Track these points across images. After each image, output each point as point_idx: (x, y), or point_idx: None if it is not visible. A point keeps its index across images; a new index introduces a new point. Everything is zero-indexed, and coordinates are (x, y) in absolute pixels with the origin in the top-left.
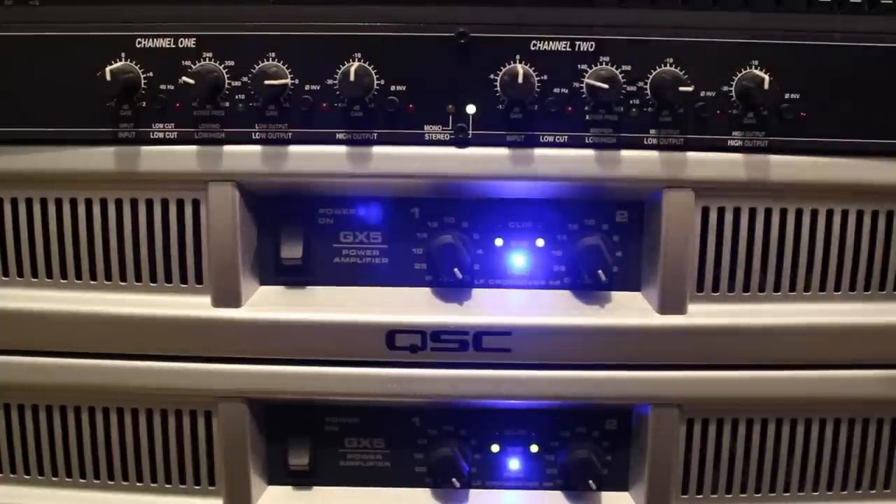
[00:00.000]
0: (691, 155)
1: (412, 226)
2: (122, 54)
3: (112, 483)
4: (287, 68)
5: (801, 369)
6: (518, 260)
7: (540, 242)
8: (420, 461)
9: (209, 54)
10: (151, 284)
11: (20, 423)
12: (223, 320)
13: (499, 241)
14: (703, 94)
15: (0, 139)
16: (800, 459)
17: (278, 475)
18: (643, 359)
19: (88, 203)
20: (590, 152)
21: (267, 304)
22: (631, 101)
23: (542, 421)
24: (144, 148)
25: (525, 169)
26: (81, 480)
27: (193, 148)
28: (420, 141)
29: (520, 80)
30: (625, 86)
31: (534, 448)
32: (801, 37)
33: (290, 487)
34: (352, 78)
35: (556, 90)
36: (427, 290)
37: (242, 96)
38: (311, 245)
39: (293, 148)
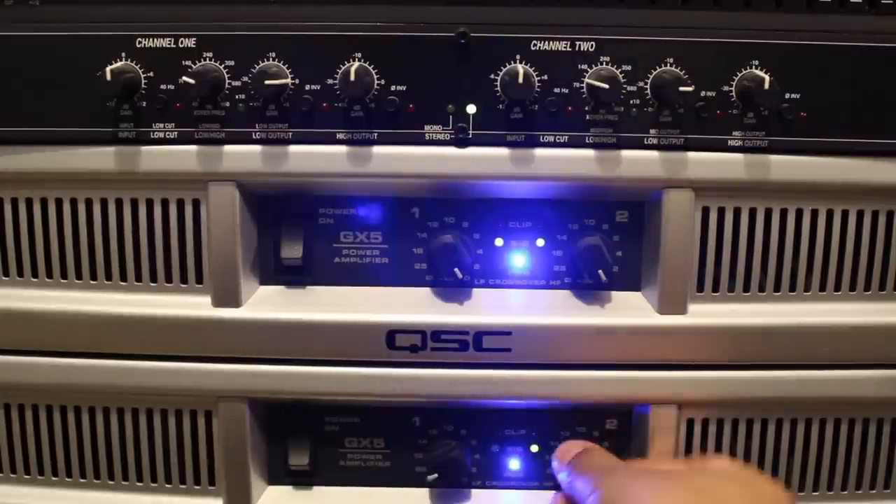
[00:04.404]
0: (691, 155)
1: (412, 226)
2: (122, 54)
3: (112, 483)
4: (287, 68)
5: (801, 369)
6: (518, 260)
7: (540, 242)
8: (420, 461)
9: (209, 54)
10: (151, 284)
11: (20, 423)
12: (223, 320)
13: (499, 241)
14: (703, 94)
15: (0, 139)
16: (800, 459)
17: (278, 475)
18: (643, 359)
19: (88, 203)
20: (590, 152)
21: (267, 304)
22: (631, 101)
23: (542, 421)
24: (144, 148)
25: (525, 169)
26: (81, 480)
27: (193, 148)
28: (420, 141)
29: (520, 80)
30: (625, 86)
31: (534, 448)
32: (801, 37)
33: (290, 487)
34: (352, 78)
35: (557, 90)
36: (427, 289)
37: (243, 96)
38: (311, 245)
39: (293, 148)
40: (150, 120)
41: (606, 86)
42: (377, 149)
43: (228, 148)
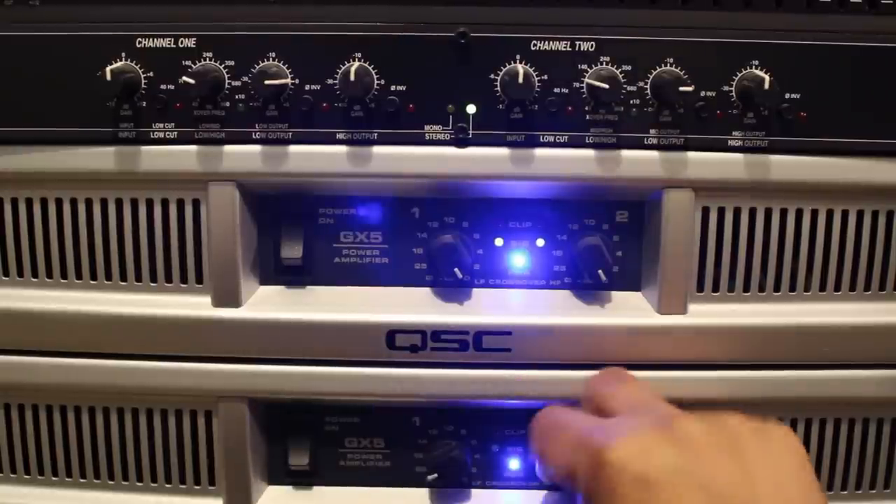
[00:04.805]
0: (691, 155)
1: (412, 225)
2: (122, 54)
3: (112, 483)
4: (287, 68)
5: (801, 369)
6: (518, 260)
7: (540, 242)
8: (420, 461)
9: (209, 54)
10: (151, 284)
11: (20, 423)
12: (223, 320)
13: (499, 241)
14: (703, 94)
15: (0, 139)
16: None
17: (278, 475)
18: (643, 359)
19: (88, 203)
20: (590, 152)
21: (267, 304)
22: (631, 101)
23: None
24: (144, 148)
25: (525, 169)
26: (81, 480)
27: (193, 148)
28: (420, 141)
29: (520, 80)
30: (625, 86)
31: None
32: (801, 37)
33: (290, 487)
34: (352, 78)
35: (557, 90)
36: (427, 289)
37: (242, 96)
38: (311, 245)
39: (293, 148)
40: (150, 120)
41: (606, 86)
42: (377, 149)
43: (228, 148)
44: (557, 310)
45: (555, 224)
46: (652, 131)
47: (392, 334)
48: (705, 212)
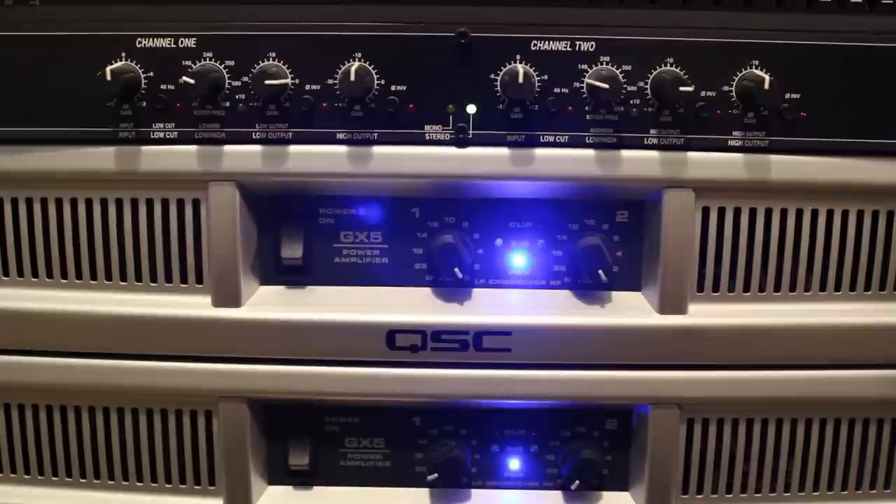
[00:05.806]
0: (691, 155)
1: (412, 226)
2: (122, 54)
3: (112, 483)
4: (287, 68)
5: (801, 369)
6: (518, 260)
7: (540, 242)
8: (420, 461)
9: (209, 54)
10: (151, 284)
11: (20, 423)
12: (223, 320)
13: (499, 241)
14: (703, 94)
15: (0, 139)
16: (800, 459)
17: (278, 475)
18: (643, 359)
19: (88, 203)
20: (590, 152)
21: (267, 304)
22: (631, 101)
23: (542, 421)
24: (144, 148)
25: (525, 169)
26: (81, 480)
27: (193, 148)
28: (420, 141)
29: (520, 80)
30: (625, 86)
31: (534, 448)
32: (801, 37)
33: (290, 487)
34: (352, 78)
35: (557, 90)
36: (427, 289)
37: (243, 96)
38: (311, 245)
39: (293, 148)
40: (150, 120)
41: (606, 86)
42: (377, 149)
43: (228, 148)
44: (557, 310)
45: (555, 224)
46: (652, 131)
47: (392, 334)
48: (705, 212)
